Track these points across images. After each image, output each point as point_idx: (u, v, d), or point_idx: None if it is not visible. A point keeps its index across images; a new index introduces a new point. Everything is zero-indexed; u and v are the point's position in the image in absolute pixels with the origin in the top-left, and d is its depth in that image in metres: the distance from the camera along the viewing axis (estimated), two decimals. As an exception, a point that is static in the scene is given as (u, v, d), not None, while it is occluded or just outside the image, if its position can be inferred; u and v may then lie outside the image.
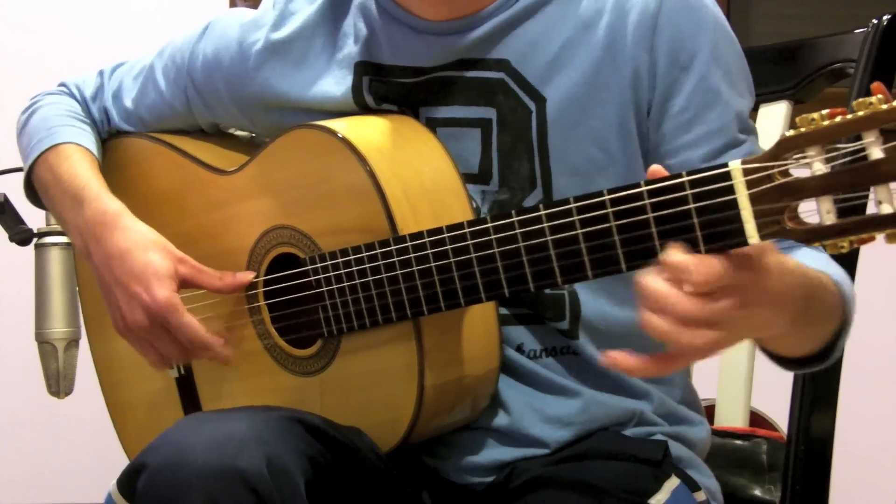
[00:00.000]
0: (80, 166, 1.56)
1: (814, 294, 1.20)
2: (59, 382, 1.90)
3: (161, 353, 1.49)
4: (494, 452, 1.42)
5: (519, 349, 1.42)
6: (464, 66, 1.42)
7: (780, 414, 1.62)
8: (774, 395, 1.61)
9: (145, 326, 1.45)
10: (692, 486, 1.43)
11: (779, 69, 1.71)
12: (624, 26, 1.37)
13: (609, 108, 1.37)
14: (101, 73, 1.67)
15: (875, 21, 1.58)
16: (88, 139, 1.61)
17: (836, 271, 1.29)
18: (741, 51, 1.43)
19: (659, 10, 1.36)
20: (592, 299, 1.41)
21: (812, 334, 1.25)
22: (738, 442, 1.72)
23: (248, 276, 1.48)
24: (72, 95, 1.67)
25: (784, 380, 1.55)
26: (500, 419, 1.42)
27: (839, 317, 1.26)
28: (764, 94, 1.70)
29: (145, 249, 1.46)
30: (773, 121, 1.70)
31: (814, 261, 1.25)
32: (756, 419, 1.84)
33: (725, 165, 1.07)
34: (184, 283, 1.47)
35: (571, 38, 1.38)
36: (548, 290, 1.40)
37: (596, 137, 1.37)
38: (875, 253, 1.15)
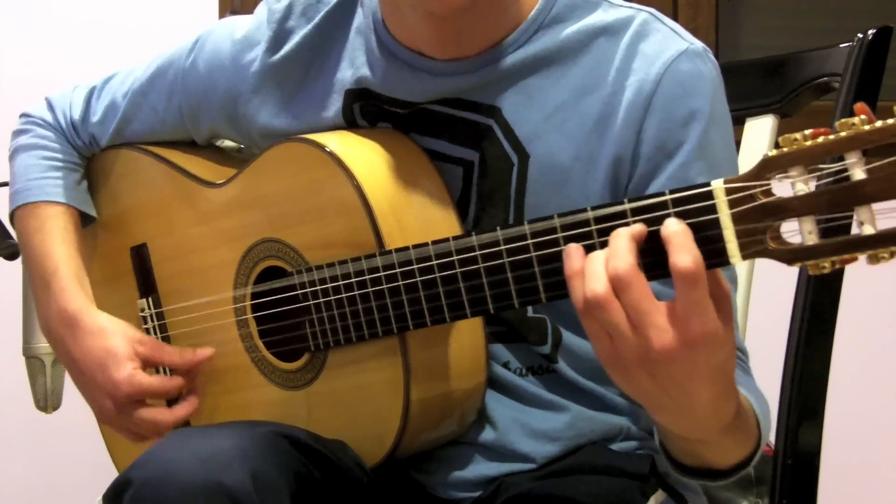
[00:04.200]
0: (52, 240, 1.59)
1: (742, 413, 1.20)
2: (46, 397, 1.90)
3: (142, 434, 1.53)
4: (481, 467, 1.42)
5: (506, 366, 1.42)
6: (457, 104, 1.41)
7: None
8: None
9: (115, 412, 1.50)
10: (679, 499, 1.43)
11: (765, 83, 1.71)
12: (619, 103, 1.34)
13: (589, 182, 1.36)
14: (89, 94, 1.66)
15: (860, 35, 1.58)
16: (63, 191, 1.62)
17: (759, 405, 1.28)
18: (732, 139, 1.40)
19: (654, 93, 1.33)
20: (574, 334, 1.41)
21: (732, 448, 1.24)
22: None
23: (207, 351, 1.52)
24: (55, 125, 1.66)
25: (771, 392, 1.55)
26: (487, 434, 1.42)
27: (750, 448, 1.25)
28: (750, 108, 1.70)
29: (103, 339, 1.51)
30: (759, 134, 1.70)
31: (745, 386, 1.25)
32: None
33: (708, 184, 1.07)
34: (147, 362, 1.51)
35: (568, 102, 1.37)
36: (531, 314, 1.40)
37: (570, 206, 1.31)
38: (863, 266, 1.15)
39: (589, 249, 1.11)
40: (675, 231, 1.05)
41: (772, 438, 1.59)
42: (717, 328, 1.06)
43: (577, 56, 1.37)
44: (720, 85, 1.38)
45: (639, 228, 1.09)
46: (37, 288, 1.59)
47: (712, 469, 1.26)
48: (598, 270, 1.07)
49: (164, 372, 1.58)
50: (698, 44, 1.37)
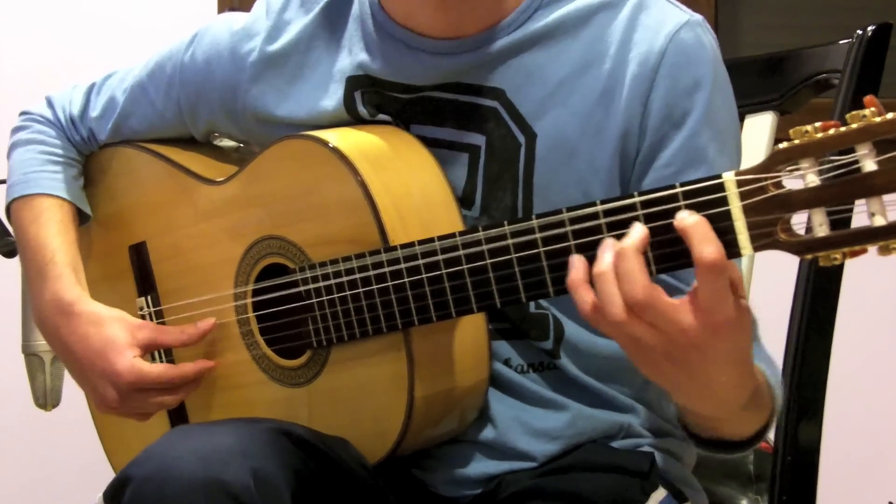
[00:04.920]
0: (48, 231, 1.58)
1: (758, 390, 1.23)
2: (45, 395, 1.90)
3: (146, 414, 1.54)
4: (482, 465, 1.42)
5: (506, 363, 1.42)
6: (459, 89, 1.41)
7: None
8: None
9: (118, 399, 1.49)
10: (679, 497, 1.44)
11: (764, 80, 1.71)
12: (623, 75, 1.35)
13: (597, 154, 1.36)
14: (89, 90, 1.66)
15: (860, 32, 1.58)
16: (60, 185, 1.62)
17: (772, 372, 1.31)
18: (735, 109, 1.42)
19: (659, 64, 1.34)
20: (576, 327, 1.41)
21: (749, 421, 1.27)
22: (726, 452, 1.72)
23: (208, 322, 1.50)
24: (54, 121, 1.66)
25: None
26: (487, 432, 1.42)
27: (764, 419, 1.29)
28: (750, 105, 1.70)
29: (101, 327, 1.50)
30: (758, 131, 1.70)
31: (756, 356, 1.26)
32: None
33: (719, 177, 1.07)
34: (148, 346, 1.50)
35: (570, 77, 1.37)
36: (533, 310, 1.40)
37: (580, 181, 1.36)
38: (862, 264, 1.15)
39: (598, 244, 1.11)
40: (695, 222, 1.06)
41: (771, 435, 1.59)
42: (737, 314, 1.08)
43: (576, 31, 1.38)
44: (719, 55, 1.39)
45: (641, 236, 1.09)
46: (31, 278, 1.58)
47: (730, 441, 1.28)
48: (611, 292, 1.08)
49: (161, 358, 1.57)
50: (697, 15, 1.39)
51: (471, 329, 1.37)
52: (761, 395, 1.24)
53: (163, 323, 1.59)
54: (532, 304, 1.40)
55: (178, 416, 1.59)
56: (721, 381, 1.12)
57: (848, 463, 2.62)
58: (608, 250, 1.09)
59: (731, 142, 1.39)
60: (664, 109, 1.35)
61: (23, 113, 1.69)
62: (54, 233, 1.58)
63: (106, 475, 1.32)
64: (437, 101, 1.42)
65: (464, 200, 1.41)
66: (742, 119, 1.70)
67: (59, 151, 1.64)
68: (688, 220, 1.07)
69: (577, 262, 1.11)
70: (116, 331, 1.49)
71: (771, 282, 1.70)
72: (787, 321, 1.59)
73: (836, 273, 1.56)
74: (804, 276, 1.57)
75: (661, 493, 1.41)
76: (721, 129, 1.37)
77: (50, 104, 1.67)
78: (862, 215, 1.01)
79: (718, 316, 1.07)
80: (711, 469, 1.67)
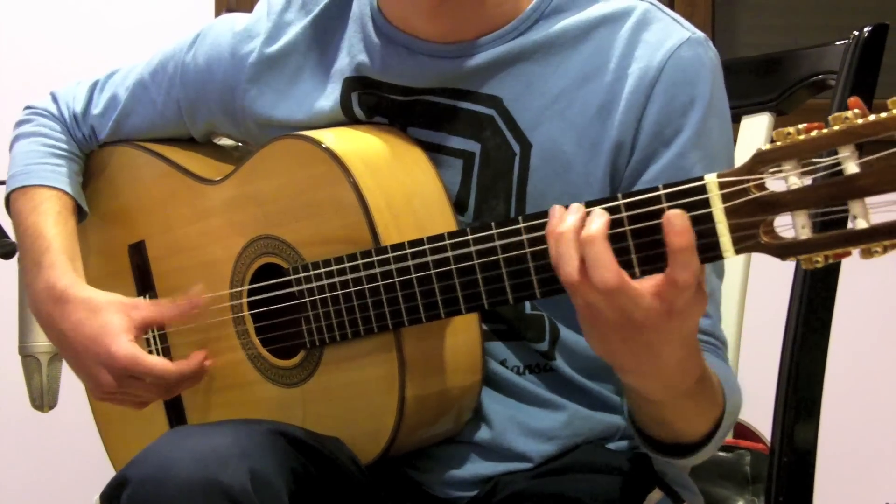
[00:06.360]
0: (46, 221, 1.58)
1: (706, 378, 1.23)
2: (42, 396, 1.90)
3: (142, 402, 1.53)
4: (478, 467, 1.42)
5: (503, 364, 1.42)
6: (456, 94, 1.41)
7: (764, 423, 1.62)
8: (758, 405, 1.62)
9: (114, 384, 1.48)
10: (676, 498, 1.43)
11: (761, 81, 1.71)
12: (621, 90, 1.35)
13: (591, 168, 1.36)
14: (92, 87, 1.67)
15: (856, 33, 1.58)
16: (62, 178, 1.62)
17: (727, 382, 1.30)
18: (730, 128, 1.41)
19: (657, 81, 1.34)
20: (571, 331, 1.41)
21: (697, 415, 1.27)
22: (722, 454, 1.72)
23: (199, 293, 1.50)
24: (59, 116, 1.67)
25: (768, 390, 1.55)
26: (483, 433, 1.42)
27: (715, 419, 1.28)
28: (746, 106, 1.69)
29: (95, 313, 1.49)
30: (754, 133, 1.69)
31: (716, 366, 1.28)
32: (741, 429, 1.84)
33: (701, 178, 1.07)
34: (145, 325, 1.50)
35: (569, 89, 1.37)
36: (529, 311, 1.40)
37: (573, 194, 1.35)
38: (859, 264, 1.15)
39: None
40: (673, 213, 1.07)
41: (768, 436, 1.59)
42: (696, 299, 1.10)
43: (577, 44, 1.38)
44: (720, 74, 1.39)
45: (605, 221, 1.10)
46: (28, 267, 1.57)
47: (681, 443, 1.28)
48: (568, 253, 1.10)
49: (155, 345, 1.58)
50: (699, 33, 1.39)
51: (463, 329, 1.37)
52: (710, 391, 1.25)
53: (161, 325, 1.60)
54: (528, 305, 1.40)
55: (176, 415, 1.59)
56: (667, 361, 1.14)
57: (845, 464, 2.61)
58: (574, 214, 1.11)
59: (722, 163, 1.37)
60: (656, 126, 1.34)
61: (27, 107, 1.70)
62: (52, 223, 1.58)
63: (103, 476, 1.32)
64: (433, 106, 1.42)
65: (457, 206, 1.41)
66: (738, 120, 1.70)
67: (63, 146, 1.65)
68: (669, 212, 1.08)
69: (556, 212, 1.13)
70: (111, 315, 1.48)
71: (768, 281, 1.70)
72: (784, 321, 1.58)
73: (833, 273, 1.55)
74: (801, 276, 1.56)
75: (657, 495, 1.41)
76: (711, 153, 1.36)
77: (54, 100, 1.68)
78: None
79: (679, 303, 1.08)
80: (708, 470, 1.67)
